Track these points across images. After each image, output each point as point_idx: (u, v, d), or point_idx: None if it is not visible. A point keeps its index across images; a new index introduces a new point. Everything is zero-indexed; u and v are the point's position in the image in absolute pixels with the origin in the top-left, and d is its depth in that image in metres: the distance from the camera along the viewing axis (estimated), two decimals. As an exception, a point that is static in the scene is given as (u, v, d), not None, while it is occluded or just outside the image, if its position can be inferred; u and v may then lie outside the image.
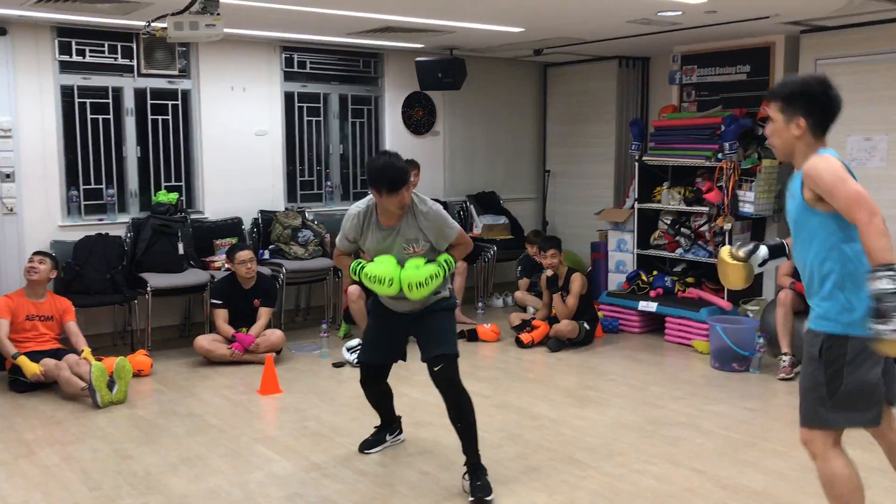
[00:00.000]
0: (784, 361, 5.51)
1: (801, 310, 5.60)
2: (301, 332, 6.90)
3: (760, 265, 3.11)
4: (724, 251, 3.16)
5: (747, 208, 6.35)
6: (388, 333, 3.91)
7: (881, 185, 5.84)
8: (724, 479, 3.84)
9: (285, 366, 5.84)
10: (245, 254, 5.97)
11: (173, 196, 6.58)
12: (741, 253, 3.09)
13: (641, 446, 4.28)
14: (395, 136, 7.90)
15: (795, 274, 5.71)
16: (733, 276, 3.12)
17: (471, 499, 3.57)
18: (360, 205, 3.77)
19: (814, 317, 2.76)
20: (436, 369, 3.71)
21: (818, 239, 2.71)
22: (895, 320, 2.38)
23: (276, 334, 6.01)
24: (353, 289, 6.22)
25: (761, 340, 5.68)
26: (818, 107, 2.72)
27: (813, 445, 2.79)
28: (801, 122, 2.72)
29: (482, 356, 6.24)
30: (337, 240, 3.89)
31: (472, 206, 8.21)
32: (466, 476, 3.68)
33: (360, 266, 3.70)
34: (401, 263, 3.66)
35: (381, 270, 3.63)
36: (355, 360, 5.76)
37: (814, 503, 3.56)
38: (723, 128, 6.33)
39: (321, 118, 7.62)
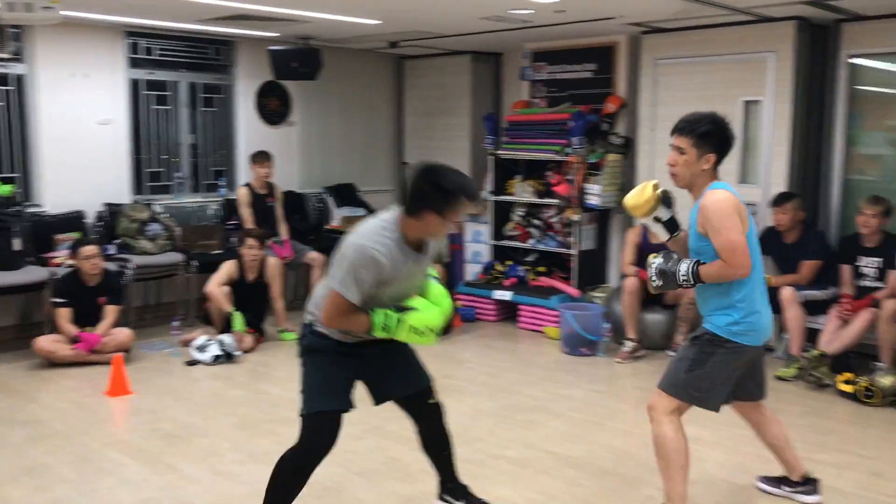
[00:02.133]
0: (625, 346, 5.84)
1: (645, 298, 5.96)
2: (151, 329, 6.64)
3: (660, 220, 3.28)
4: (650, 185, 3.27)
5: (593, 201, 6.66)
6: (350, 370, 3.03)
7: (713, 179, 6.28)
8: (575, 459, 4.04)
9: (135, 366, 5.61)
10: (89, 249, 5.68)
11: (8, 188, 6.15)
12: (660, 192, 3.24)
13: (498, 431, 4.43)
14: (248, 127, 7.73)
15: (639, 262, 6.05)
16: (636, 198, 3.26)
17: None
18: (373, 237, 2.80)
19: (706, 321, 3.21)
20: (431, 402, 3.22)
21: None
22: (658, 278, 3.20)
23: (124, 333, 5.76)
24: (218, 290, 6.03)
25: (607, 325, 5.99)
26: (725, 144, 3.11)
27: (654, 411, 3.24)
28: (712, 158, 3.09)
29: (341, 349, 6.23)
30: (345, 293, 2.78)
31: (329, 198, 8.15)
32: (455, 499, 3.39)
33: (397, 320, 2.86)
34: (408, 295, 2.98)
35: (434, 316, 2.91)
36: (210, 359, 5.63)
37: (654, 479, 3.79)
38: (571, 123, 6.60)
39: (170, 107, 7.34)
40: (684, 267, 3.12)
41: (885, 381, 4.82)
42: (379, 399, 3.17)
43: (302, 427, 2.97)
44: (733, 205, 3.04)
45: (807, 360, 5.19)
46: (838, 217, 6.12)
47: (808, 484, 3.57)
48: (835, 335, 5.31)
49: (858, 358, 5.49)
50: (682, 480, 3.20)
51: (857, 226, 5.50)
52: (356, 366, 3.04)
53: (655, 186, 3.26)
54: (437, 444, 3.33)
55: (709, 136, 3.09)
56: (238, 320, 5.93)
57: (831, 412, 4.80)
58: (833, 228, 6.12)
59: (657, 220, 3.30)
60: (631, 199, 3.30)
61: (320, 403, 2.95)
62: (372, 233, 2.82)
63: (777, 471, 3.67)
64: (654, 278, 3.23)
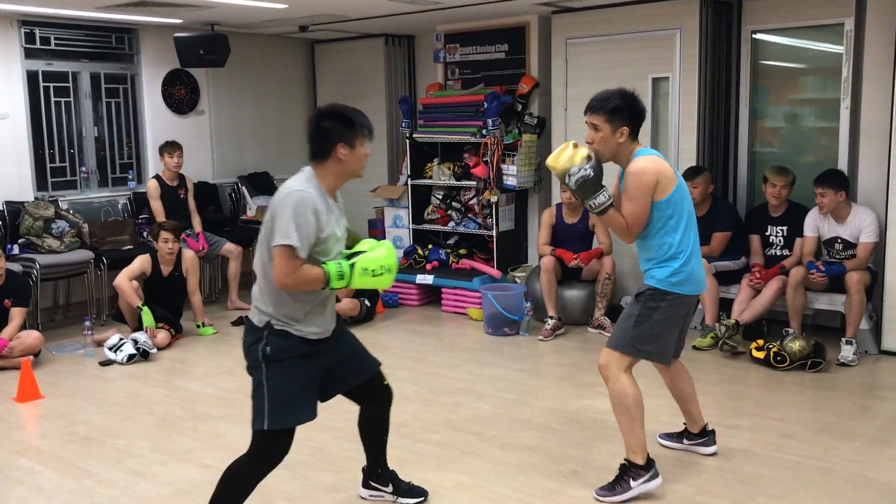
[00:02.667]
0: (547, 324, 5.90)
1: (561, 277, 6.04)
2: (62, 331, 6.40)
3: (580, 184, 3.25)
4: (570, 145, 3.32)
5: (510, 181, 6.69)
6: (315, 377, 2.96)
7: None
8: (501, 438, 4.06)
9: (46, 369, 5.40)
10: (-11, 250, 5.42)
11: None
12: (583, 153, 3.28)
13: (423, 416, 4.42)
14: (155, 117, 7.49)
15: (554, 242, 6.11)
16: (555, 159, 3.30)
17: (418, 500, 3.37)
18: (303, 185, 2.78)
19: (647, 277, 3.38)
20: (386, 383, 3.26)
21: (652, 221, 3.28)
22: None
23: (32, 336, 5.52)
24: (126, 284, 5.81)
25: (528, 304, 6.04)
26: (636, 116, 3.26)
27: (608, 369, 3.37)
28: (625, 131, 3.26)
29: (263, 341, 6.12)
30: (292, 241, 2.69)
31: (244, 188, 7.98)
32: (383, 485, 3.38)
33: (350, 265, 2.81)
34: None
35: (383, 256, 2.90)
36: (124, 358, 5.44)
37: (577, 453, 3.86)
38: (485, 105, 6.61)
39: (71, 99, 7.05)
40: (603, 198, 3.25)
41: (794, 345, 5.00)
42: (330, 395, 3.08)
43: (259, 440, 2.86)
44: (653, 176, 3.22)
45: (722, 328, 5.33)
46: (746, 189, 6.31)
47: (706, 436, 3.81)
48: (747, 304, 5.48)
49: (771, 325, 5.69)
50: (643, 432, 3.37)
51: (765, 196, 5.68)
52: (320, 367, 2.95)
53: (575, 145, 3.33)
54: (380, 428, 3.32)
55: (619, 110, 3.26)
56: (147, 316, 5.75)
57: (745, 378, 4.96)
58: (742, 200, 6.31)
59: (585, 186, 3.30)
60: (551, 159, 3.35)
61: (289, 419, 2.85)
62: (298, 183, 2.81)
63: (673, 428, 3.91)
64: (575, 180, 3.20)
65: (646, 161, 3.25)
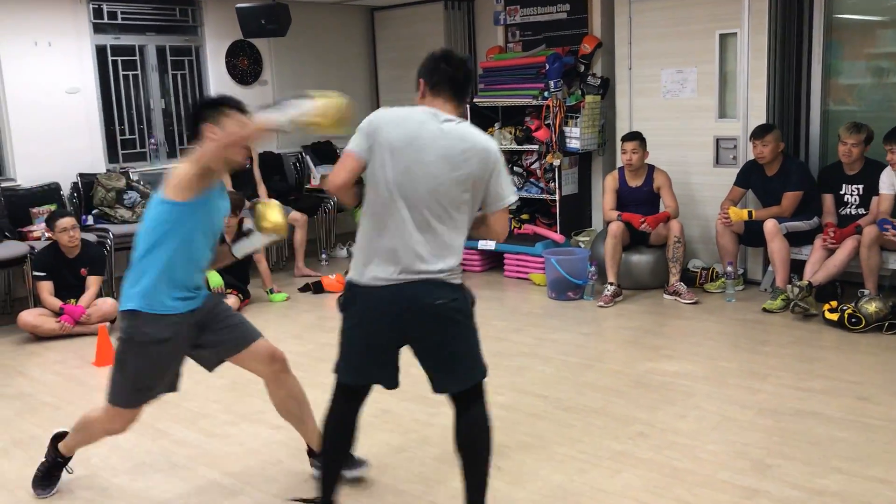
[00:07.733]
0: (607, 290, 5.81)
1: (629, 241, 5.96)
2: (136, 298, 6.59)
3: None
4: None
5: (574, 144, 6.60)
6: None
7: (693, 114, 6.23)
8: (566, 401, 4.05)
9: (122, 334, 5.57)
10: (66, 221, 5.59)
11: (-22, 163, 6.06)
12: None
13: (487, 378, 4.42)
14: (220, 87, 7.59)
15: (619, 207, 6.01)
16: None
17: None
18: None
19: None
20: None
21: None
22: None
23: (108, 303, 5.71)
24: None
25: (592, 269, 5.98)
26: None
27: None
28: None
29: (329, 307, 6.22)
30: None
31: (308, 157, 8.07)
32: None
33: None
34: None
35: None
36: (197, 322, 5.59)
37: (645, 415, 3.83)
38: (547, 66, 6.51)
39: (138, 72, 7.20)
40: None
41: (869, 307, 4.84)
42: None
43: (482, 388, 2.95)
44: None
45: (795, 290, 5.19)
46: (819, 147, 6.10)
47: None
48: (819, 265, 5.32)
49: (846, 286, 5.52)
50: None
51: (839, 155, 5.48)
52: None
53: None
54: None
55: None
56: (214, 277, 5.88)
57: (818, 341, 4.83)
58: (814, 159, 6.11)
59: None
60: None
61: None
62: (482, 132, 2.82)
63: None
64: None
65: None
